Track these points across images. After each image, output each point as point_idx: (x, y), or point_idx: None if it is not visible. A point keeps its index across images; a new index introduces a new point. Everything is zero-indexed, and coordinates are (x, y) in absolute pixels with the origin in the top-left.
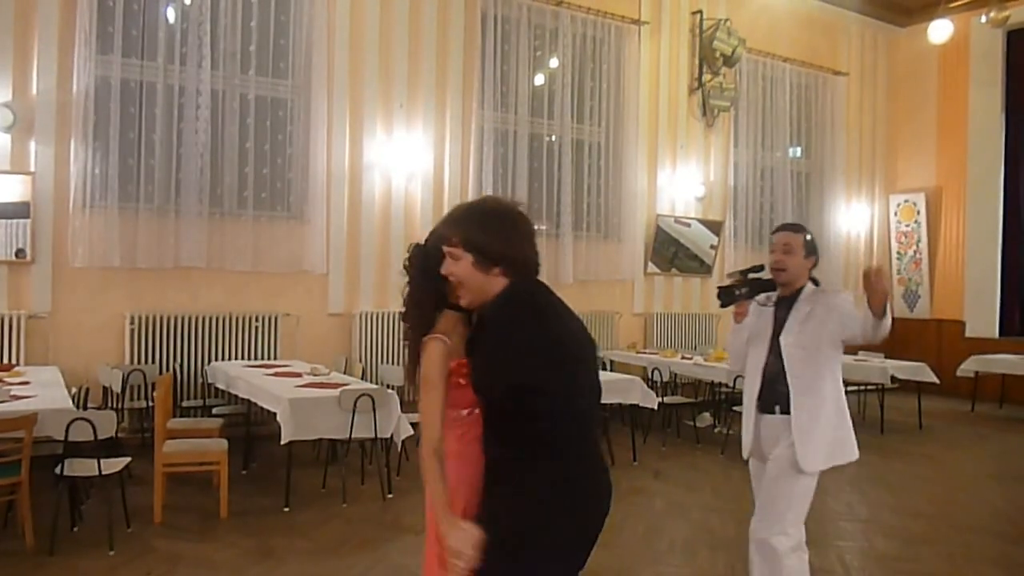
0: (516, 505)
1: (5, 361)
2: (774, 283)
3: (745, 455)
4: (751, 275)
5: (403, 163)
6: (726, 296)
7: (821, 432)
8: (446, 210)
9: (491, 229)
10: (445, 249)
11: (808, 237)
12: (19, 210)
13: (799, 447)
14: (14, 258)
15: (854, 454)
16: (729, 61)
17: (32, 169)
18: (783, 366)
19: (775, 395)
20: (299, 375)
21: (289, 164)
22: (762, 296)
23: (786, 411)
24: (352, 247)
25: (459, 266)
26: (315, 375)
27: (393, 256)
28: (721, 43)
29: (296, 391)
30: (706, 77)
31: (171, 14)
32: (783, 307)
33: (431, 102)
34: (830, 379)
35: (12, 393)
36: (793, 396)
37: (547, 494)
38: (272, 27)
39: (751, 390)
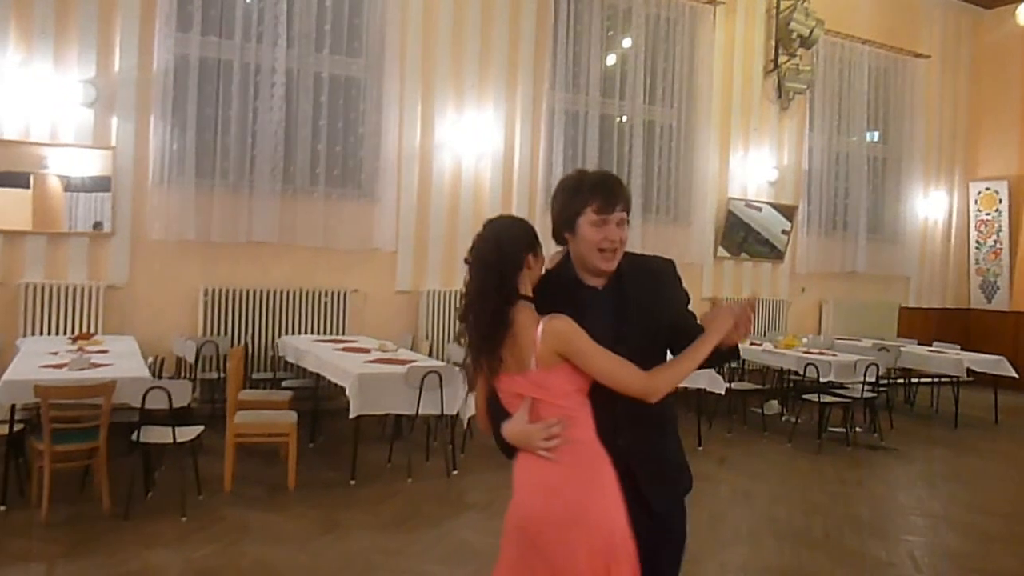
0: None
1: (85, 330)
2: None
3: None
4: None
5: (473, 143)
6: None
7: None
8: (515, 191)
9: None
10: (622, 216)
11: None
12: (101, 184)
13: None
14: (91, 230)
15: None
16: (806, 42)
17: (113, 144)
18: None
19: None
20: (367, 351)
21: (361, 142)
22: None
23: None
24: (421, 226)
25: (625, 231)
26: (383, 351)
27: (461, 236)
28: (798, 24)
29: (365, 366)
30: (782, 59)
31: None
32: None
33: (502, 82)
34: None
35: (92, 361)
36: None
37: None
38: (346, 6)
39: None
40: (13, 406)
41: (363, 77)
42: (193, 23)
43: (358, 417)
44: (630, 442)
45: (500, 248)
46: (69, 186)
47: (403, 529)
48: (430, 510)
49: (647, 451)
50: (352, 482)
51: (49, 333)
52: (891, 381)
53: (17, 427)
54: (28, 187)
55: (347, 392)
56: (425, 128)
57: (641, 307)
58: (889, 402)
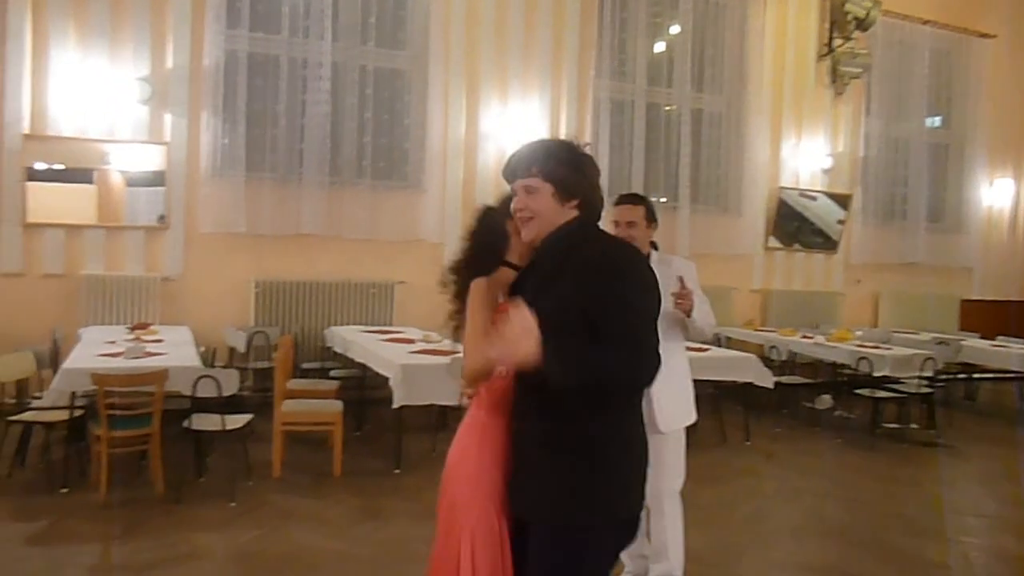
0: None
1: (141, 320)
2: None
3: None
4: None
5: (518, 133)
6: None
7: (672, 398)
8: None
9: (572, 163)
10: (521, 183)
11: (648, 206)
12: (155, 178)
13: (656, 411)
14: (157, 223)
15: (694, 416)
16: (862, 25)
17: (167, 139)
18: None
19: None
20: (412, 341)
21: (406, 134)
22: None
23: None
24: (466, 217)
25: (535, 199)
26: (427, 342)
27: None
28: (854, 6)
29: (408, 357)
30: (836, 42)
31: None
32: None
33: (547, 72)
34: (678, 346)
35: (147, 350)
36: None
37: None
38: None
39: None
40: (73, 393)
41: (408, 69)
42: (242, 19)
43: (402, 407)
44: (519, 431)
45: (483, 221)
46: (130, 181)
47: None
48: None
49: (524, 455)
50: (396, 471)
51: (108, 323)
52: (951, 376)
53: (77, 413)
54: (92, 182)
55: (391, 382)
56: (470, 119)
57: (526, 290)
58: (948, 398)
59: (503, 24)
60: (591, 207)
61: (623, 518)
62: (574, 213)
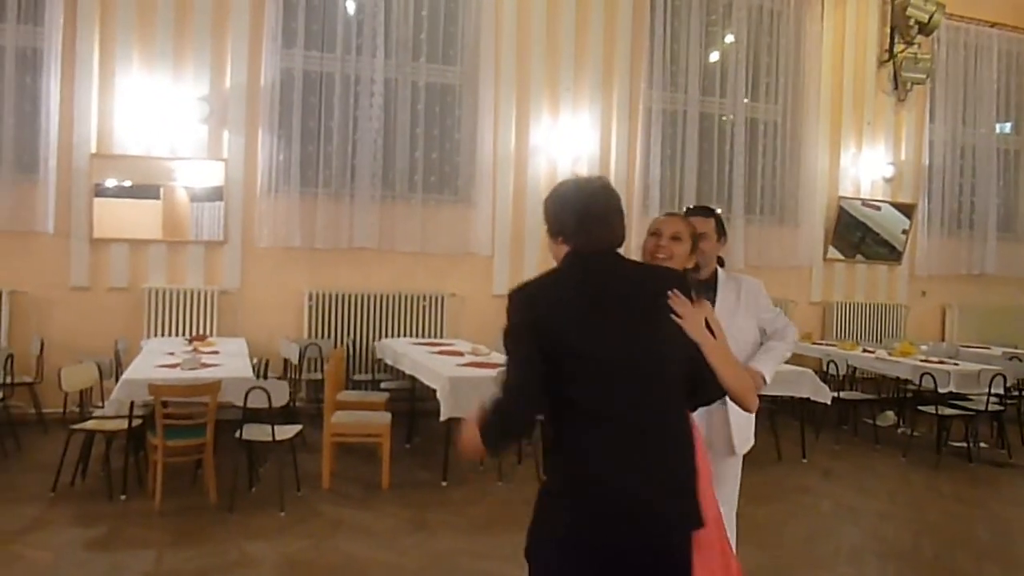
0: None
1: (200, 332)
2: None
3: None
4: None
5: (569, 146)
6: None
7: (746, 421)
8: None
9: (550, 200)
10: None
11: (718, 219)
12: (215, 194)
13: (735, 434)
14: (222, 239)
15: (753, 441)
16: (925, 29)
17: (225, 156)
18: None
19: None
20: (461, 354)
21: (457, 148)
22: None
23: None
24: (517, 230)
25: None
26: (476, 355)
27: None
28: (916, 9)
29: (456, 370)
30: (898, 47)
31: (349, 7)
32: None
33: (598, 84)
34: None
35: (202, 361)
36: None
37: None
38: (442, 15)
39: None
40: (132, 403)
41: (458, 84)
42: (297, 39)
43: (450, 419)
44: None
45: None
46: (193, 197)
47: (491, 532)
48: (519, 514)
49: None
50: (444, 483)
51: (169, 334)
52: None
53: (136, 423)
54: (159, 198)
55: (438, 395)
56: (520, 132)
57: None
58: (1020, 416)
59: (554, 37)
60: (578, 238)
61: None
62: (565, 249)
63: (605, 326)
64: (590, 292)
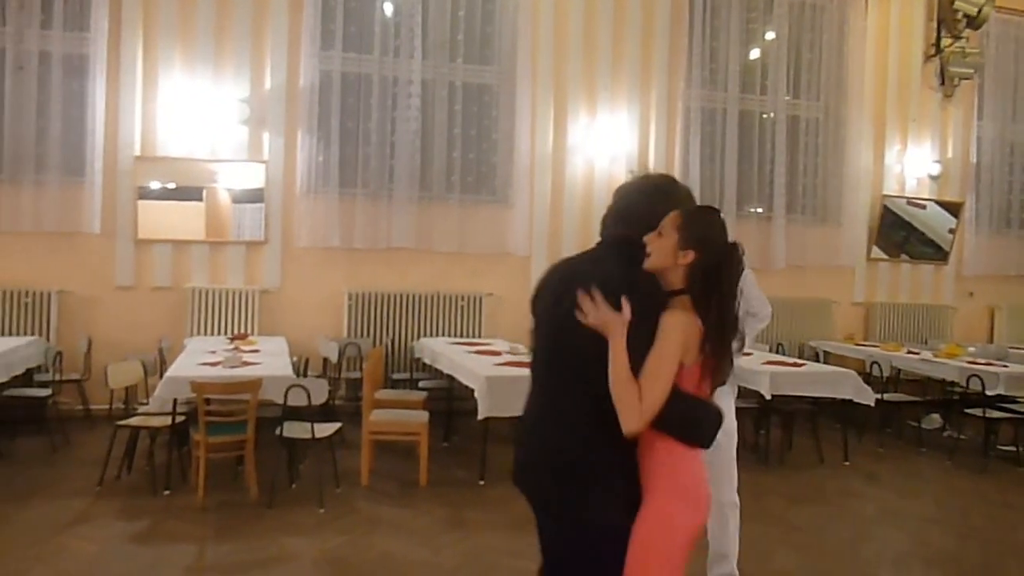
0: None
1: (241, 331)
2: None
3: None
4: None
5: (606, 146)
6: None
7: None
8: None
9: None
10: None
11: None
12: (256, 195)
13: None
14: (263, 239)
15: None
16: (974, 23)
17: (265, 158)
18: None
19: None
20: (499, 353)
21: (494, 149)
22: None
23: None
24: (555, 230)
25: None
26: (514, 354)
27: (594, 239)
28: (965, 3)
29: (494, 369)
30: (945, 42)
31: (387, 9)
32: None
33: (635, 83)
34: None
35: (244, 360)
36: None
37: None
38: (479, 15)
39: None
40: (175, 400)
41: (495, 84)
42: (335, 40)
43: (487, 418)
44: None
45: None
46: (235, 198)
47: (527, 530)
48: None
49: None
50: (481, 482)
51: (211, 333)
52: None
53: (179, 419)
54: (201, 200)
55: (476, 394)
56: (558, 132)
57: None
58: None
59: (591, 36)
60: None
61: None
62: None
63: None
64: None
